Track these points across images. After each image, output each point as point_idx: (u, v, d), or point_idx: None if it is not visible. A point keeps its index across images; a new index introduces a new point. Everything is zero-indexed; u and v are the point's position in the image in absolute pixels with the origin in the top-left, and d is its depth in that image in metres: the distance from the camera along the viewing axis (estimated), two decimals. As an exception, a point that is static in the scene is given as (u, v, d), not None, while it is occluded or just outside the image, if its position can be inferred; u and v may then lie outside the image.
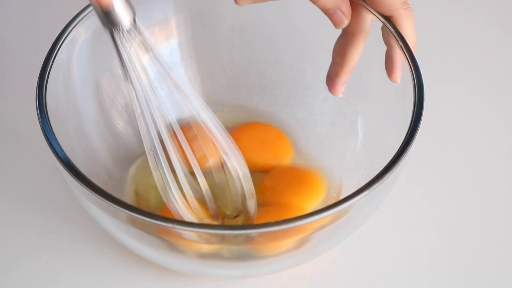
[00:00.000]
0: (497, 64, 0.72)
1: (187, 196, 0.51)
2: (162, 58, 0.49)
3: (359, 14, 0.53)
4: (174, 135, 0.50)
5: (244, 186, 0.53)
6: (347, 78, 0.56)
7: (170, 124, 0.50)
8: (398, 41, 0.51)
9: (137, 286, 0.56)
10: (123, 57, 0.47)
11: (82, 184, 0.45)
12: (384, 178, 0.45)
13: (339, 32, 0.54)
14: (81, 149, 0.55)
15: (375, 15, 0.52)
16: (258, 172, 0.59)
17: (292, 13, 0.59)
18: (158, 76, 0.49)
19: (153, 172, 0.50)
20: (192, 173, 0.52)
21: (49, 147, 0.47)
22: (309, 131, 0.62)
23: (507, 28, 0.76)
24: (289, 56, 0.63)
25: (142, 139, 0.49)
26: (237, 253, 0.49)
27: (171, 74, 0.49)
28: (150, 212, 0.43)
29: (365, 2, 0.52)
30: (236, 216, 0.55)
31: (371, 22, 0.53)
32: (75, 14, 0.54)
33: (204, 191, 0.52)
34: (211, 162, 0.54)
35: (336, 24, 0.51)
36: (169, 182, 0.49)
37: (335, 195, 0.58)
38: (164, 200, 0.50)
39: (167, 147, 0.49)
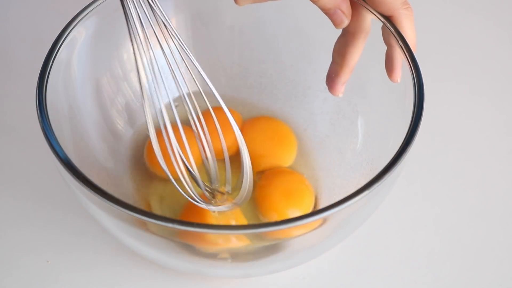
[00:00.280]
0: (497, 64, 0.72)
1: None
2: (176, 33, 0.48)
3: (359, 14, 0.53)
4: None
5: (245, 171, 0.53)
6: (347, 78, 0.56)
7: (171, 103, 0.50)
8: (398, 41, 0.51)
9: (137, 285, 0.56)
10: (131, 25, 0.47)
11: (82, 184, 0.45)
12: (384, 178, 0.45)
13: (339, 32, 0.54)
14: (81, 149, 0.55)
15: (375, 15, 0.52)
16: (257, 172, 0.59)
17: (292, 13, 0.59)
18: (169, 54, 0.49)
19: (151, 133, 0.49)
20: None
21: (49, 147, 0.47)
22: (309, 131, 0.62)
23: (507, 28, 0.76)
24: (289, 56, 0.63)
25: (145, 111, 0.49)
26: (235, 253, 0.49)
27: (183, 53, 0.49)
28: (150, 212, 0.43)
29: (365, 2, 0.52)
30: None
31: (371, 22, 0.53)
32: (75, 14, 0.54)
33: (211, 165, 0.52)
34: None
35: (336, 24, 0.51)
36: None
37: (335, 195, 0.58)
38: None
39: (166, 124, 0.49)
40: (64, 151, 0.46)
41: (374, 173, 0.46)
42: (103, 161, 0.58)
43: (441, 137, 0.65)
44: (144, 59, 0.47)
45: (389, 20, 0.52)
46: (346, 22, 0.51)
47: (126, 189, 0.59)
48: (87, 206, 0.49)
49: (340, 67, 0.55)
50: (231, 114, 0.51)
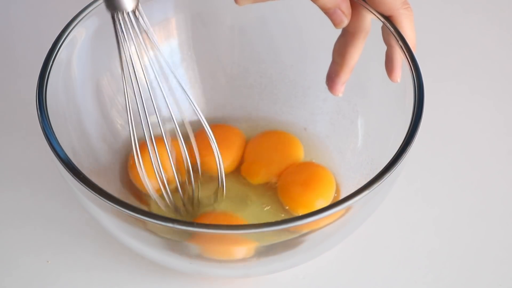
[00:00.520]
0: (497, 64, 0.72)
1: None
2: (163, 57, 0.49)
3: (359, 13, 0.53)
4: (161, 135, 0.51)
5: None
6: (347, 77, 0.56)
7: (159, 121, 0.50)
8: (398, 41, 0.51)
9: (136, 285, 0.56)
10: (121, 44, 0.47)
11: (82, 184, 0.45)
12: (384, 178, 0.45)
13: (339, 31, 0.54)
14: (81, 148, 0.55)
15: (375, 14, 0.52)
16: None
17: (292, 13, 0.59)
18: (158, 74, 0.49)
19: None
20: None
21: (49, 147, 0.47)
22: (309, 131, 0.62)
23: (507, 28, 0.76)
24: (289, 56, 0.63)
25: (130, 127, 0.50)
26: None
27: (170, 76, 0.49)
28: (150, 212, 0.43)
29: (365, 1, 0.52)
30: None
31: (371, 22, 0.53)
32: (75, 14, 0.54)
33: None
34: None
35: (336, 24, 0.51)
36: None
37: (335, 195, 0.58)
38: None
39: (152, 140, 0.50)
40: (64, 151, 0.46)
41: (374, 173, 0.46)
42: (103, 161, 0.58)
43: (441, 137, 0.65)
44: (133, 77, 0.48)
45: (389, 20, 0.52)
46: (345, 22, 0.51)
47: (126, 189, 0.59)
48: (87, 206, 0.49)
49: (340, 67, 0.55)
50: (228, 131, 0.51)
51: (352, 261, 0.57)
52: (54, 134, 0.47)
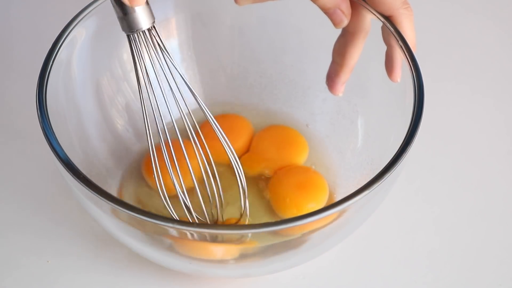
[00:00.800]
0: (497, 64, 0.72)
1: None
2: (179, 70, 0.49)
3: (359, 13, 0.53)
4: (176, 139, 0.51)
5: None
6: (347, 77, 0.56)
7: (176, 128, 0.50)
8: (398, 41, 0.51)
9: (136, 285, 0.56)
10: (137, 62, 0.47)
11: (82, 184, 0.45)
12: (384, 178, 0.45)
13: (339, 31, 0.54)
14: (81, 149, 0.55)
15: (375, 14, 0.52)
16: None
17: (292, 13, 0.59)
18: (173, 85, 0.49)
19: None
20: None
21: (49, 147, 0.47)
22: (309, 131, 0.62)
23: (507, 28, 0.76)
24: (289, 56, 0.63)
25: (148, 136, 0.49)
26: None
27: (182, 86, 0.49)
28: (150, 212, 0.43)
29: (365, 1, 0.52)
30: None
31: (371, 22, 0.53)
32: (75, 14, 0.54)
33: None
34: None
35: (335, 24, 0.51)
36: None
37: (335, 195, 0.58)
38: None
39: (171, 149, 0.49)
40: (64, 151, 0.46)
41: (374, 173, 0.46)
42: (103, 161, 0.58)
43: (441, 137, 0.65)
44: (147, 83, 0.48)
45: (389, 20, 0.52)
46: (345, 21, 0.51)
47: (126, 188, 0.59)
48: (87, 206, 0.49)
49: (340, 66, 0.55)
50: (240, 121, 0.51)
51: (352, 261, 0.57)
52: (54, 134, 0.47)
